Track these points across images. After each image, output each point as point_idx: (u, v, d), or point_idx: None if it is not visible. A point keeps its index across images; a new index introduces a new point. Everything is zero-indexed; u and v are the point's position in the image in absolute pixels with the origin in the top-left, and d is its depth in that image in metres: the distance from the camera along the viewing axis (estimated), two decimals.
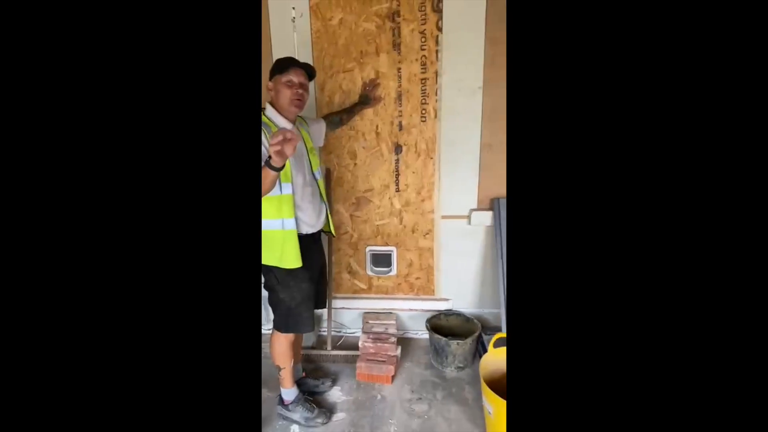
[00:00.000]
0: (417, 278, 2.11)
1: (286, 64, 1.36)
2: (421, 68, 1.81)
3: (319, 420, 1.57)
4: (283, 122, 1.39)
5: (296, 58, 1.43)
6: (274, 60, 1.41)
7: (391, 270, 2.10)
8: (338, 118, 1.77)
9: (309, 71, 1.41)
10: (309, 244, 1.47)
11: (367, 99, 1.86)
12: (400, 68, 1.82)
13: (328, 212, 1.59)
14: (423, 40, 1.78)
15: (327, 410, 1.62)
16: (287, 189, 1.36)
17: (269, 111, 1.39)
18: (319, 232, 1.55)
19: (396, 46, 1.80)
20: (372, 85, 1.84)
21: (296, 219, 1.40)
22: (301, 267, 1.41)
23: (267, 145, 1.26)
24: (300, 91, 1.37)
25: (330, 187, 1.99)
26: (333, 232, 1.68)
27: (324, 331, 2.09)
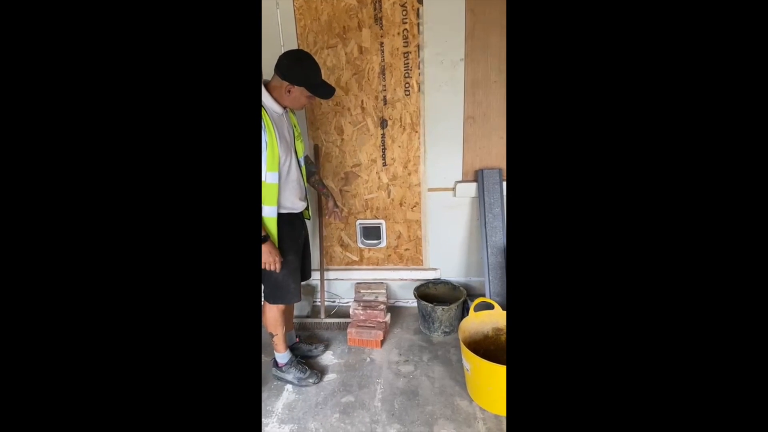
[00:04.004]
0: (406, 249, 2.19)
1: (324, 92, 1.43)
2: (404, 42, 1.83)
3: (311, 380, 1.68)
4: (276, 107, 1.42)
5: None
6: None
7: (381, 242, 2.18)
8: (315, 169, 1.81)
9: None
10: (293, 219, 1.55)
11: (331, 203, 1.84)
12: (382, 42, 1.84)
13: (308, 198, 1.66)
14: (404, 13, 1.79)
15: (319, 372, 1.73)
16: (273, 178, 1.40)
17: (262, 94, 1.40)
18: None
19: (378, 20, 1.81)
20: (332, 205, 1.84)
21: (280, 202, 1.46)
22: (286, 242, 1.49)
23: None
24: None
25: (319, 162, 2.05)
26: (309, 215, 1.73)
27: (318, 301, 2.19)
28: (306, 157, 1.72)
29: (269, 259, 1.43)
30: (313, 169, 1.79)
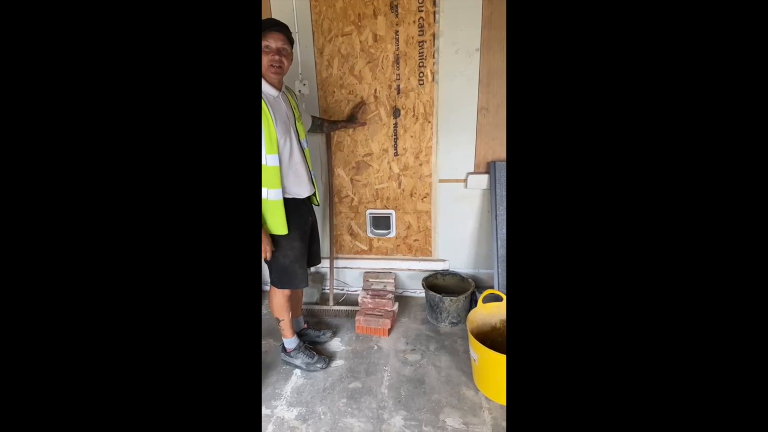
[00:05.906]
0: (415, 240, 2.19)
1: (262, 28, 1.32)
2: (419, 30, 1.81)
3: (319, 365, 1.71)
4: (269, 90, 1.40)
5: (282, 21, 1.38)
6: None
7: (390, 232, 2.19)
8: (321, 121, 1.85)
9: (289, 36, 1.39)
10: (298, 205, 1.54)
11: (353, 118, 1.94)
12: (397, 31, 1.83)
13: (314, 180, 1.63)
14: (420, 1, 1.77)
15: (327, 357, 1.76)
16: (273, 161, 1.39)
17: None
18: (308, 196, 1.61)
19: (393, 8, 1.80)
20: (360, 107, 1.95)
21: (283, 187, 1.45)
22: (293, 228, 1.49)
23: None
24: (278, 57, 1.35)
25: (330, 151, 2.06)
26: (318, 201, 1.70)
27: (327, 289, 2.21)
28: (312, 117, 1.79)
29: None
30: (319, 123, 1.84)
